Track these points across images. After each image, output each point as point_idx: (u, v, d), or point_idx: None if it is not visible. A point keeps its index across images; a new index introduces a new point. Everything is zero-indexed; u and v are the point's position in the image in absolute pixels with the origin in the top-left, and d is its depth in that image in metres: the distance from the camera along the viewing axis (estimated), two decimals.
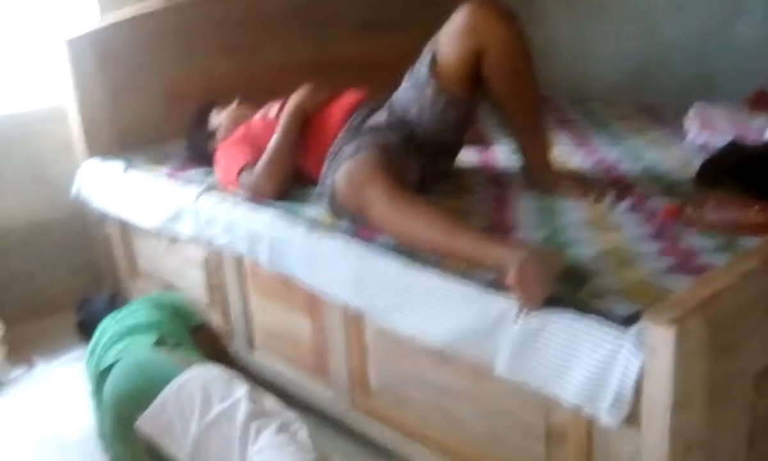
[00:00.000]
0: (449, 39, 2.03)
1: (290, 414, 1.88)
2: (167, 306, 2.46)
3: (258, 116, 2.52)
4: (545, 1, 3.87)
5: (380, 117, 2.24)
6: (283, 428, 1.78)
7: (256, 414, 1.79)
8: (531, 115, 2.15)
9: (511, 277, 1.49)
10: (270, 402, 1.90)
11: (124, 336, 2.24)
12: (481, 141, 2.78)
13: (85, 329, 2.54)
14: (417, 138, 2.16)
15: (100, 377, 2.15)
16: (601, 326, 1.40)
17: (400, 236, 1.83)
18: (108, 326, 2.35)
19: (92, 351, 2.32)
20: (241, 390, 1.86)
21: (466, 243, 1.69)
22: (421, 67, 2.12)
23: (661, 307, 1.31)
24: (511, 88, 2.07)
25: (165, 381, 1.92)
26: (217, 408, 1.81)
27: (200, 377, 1.90)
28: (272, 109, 2.50)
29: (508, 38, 1.99)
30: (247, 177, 2.31)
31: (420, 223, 1.78)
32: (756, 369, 1.50)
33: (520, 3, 3.78)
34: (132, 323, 2.31)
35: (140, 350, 2.13)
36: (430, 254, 1.76)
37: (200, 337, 2.47)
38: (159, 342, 2.18)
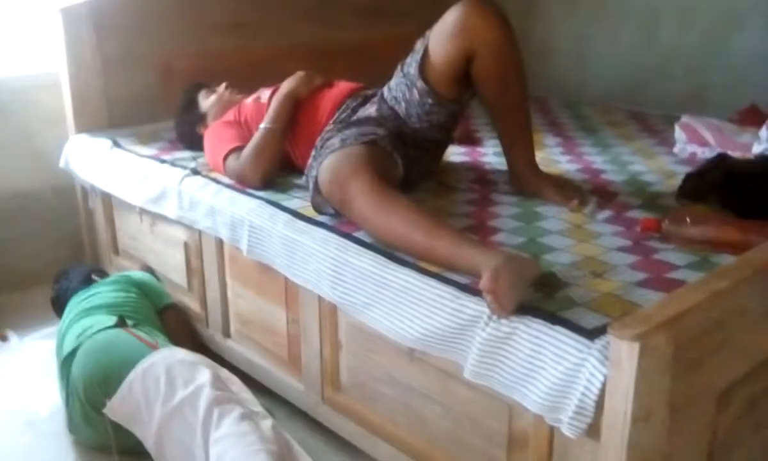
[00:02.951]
0: (440, 39, 2.03)
1: (254, 401, 1.88)
2: (135, 286, 2.45)
3: (251, 100, 2.51)
4: (546, 0, 3.86)
5: (370, 109, 2.23)
6: (246, 416, 1.78)
7: (219, 400, 1.79)
8: (517, 119, 2.15)
9: (483, 281, 1.50)
10: (236, 386, 1.90)
11: (82, 317, 2.23)
12: (470, 139, 2.78)
13: (58, 305, 2.54)
14: (405, 133, 2.16)
15: (64, 364, 2.14)
16: (568, 338, 1.41)
17: (379, 233, 1.83)
18: (73, 306, 2.35)
19: (59, 333, 2.31)
20: (204, 374, 1.86)
21: (443, 244, 1.70)
22: (411, 64, 2.11)
23: (626, 321, 1.31)
24: (498, 92, 2.08)
25: (129, 362, 1.92)
26: (180, 394, 1.81)
27: (165, 360, 1.90)
28: (264, 93, 2.49)
29: (499, 43, 1.99)
30: (233, 163, 2.31)
31: (398, 222, 1.78)
32: (719, 387, 1.51)
33: (521, 0, 3.83)
34: (95, 303, 2.30)
35: (100, 334, 2.12)
36: (408, 253, 1.76)
37: (169, 318, 2.46)
38: (119, 323, 2.17)
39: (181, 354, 1.96)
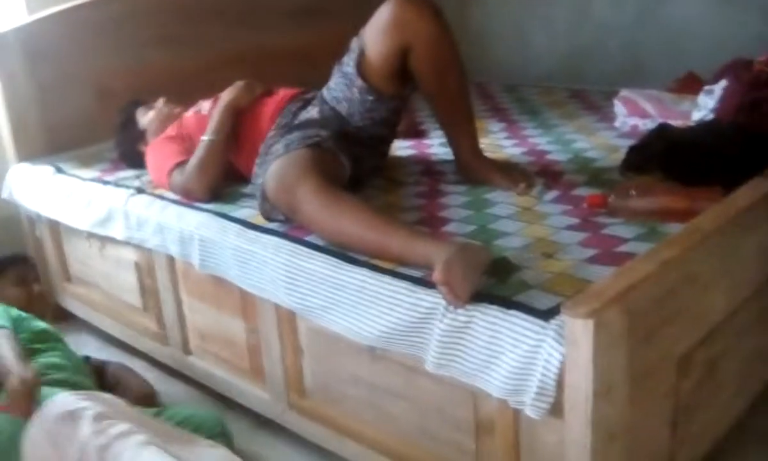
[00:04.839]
0: (374, 36, 2.03)
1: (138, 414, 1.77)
2: None
3: (191, 113, 2.49)
4: None
5: (312, 111, 2.22)
6: (149, 441, 1.64)
7: (104, 447, 1.63)
8: (458, 108, 2.16)
9: (436, 273, 1.50)
10: (118, 410, 1.77)
11: None
12: (415, 132, 2.79)
13: None
14: (349, 132, 2.15)
15: None
16: (523, 320, 1.42)
17: (330, 236, 1.83)
18: None
19: None
20: (84, 425, 1.67)
21: (395, 241, 1.70)
22: (348, 63, 2.11)
23: (579, 299, 1.33)
24: (437, 83, 2.09)
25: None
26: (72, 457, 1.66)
27: (42, 427, 1.72)
28: (204, 105, 2.46)
29: (433, 34, 2.00)
30: (178, 177, 2.28)
31: (349, 222, 1.78)
32: (677, 354, 1.54)
33: None
34: None
35: None
36: (361, 253, 1.76)
37: None
38: None
39: (55, 408, 1.75)
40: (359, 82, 2.08)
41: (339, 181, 1.99)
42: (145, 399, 2.30)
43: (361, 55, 2.07)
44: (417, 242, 1.67)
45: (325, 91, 2.22)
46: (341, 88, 2.15)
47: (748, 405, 1.91)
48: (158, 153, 2.40)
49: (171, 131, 2.46)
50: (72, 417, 1.70)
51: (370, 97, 2.10)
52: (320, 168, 1.91)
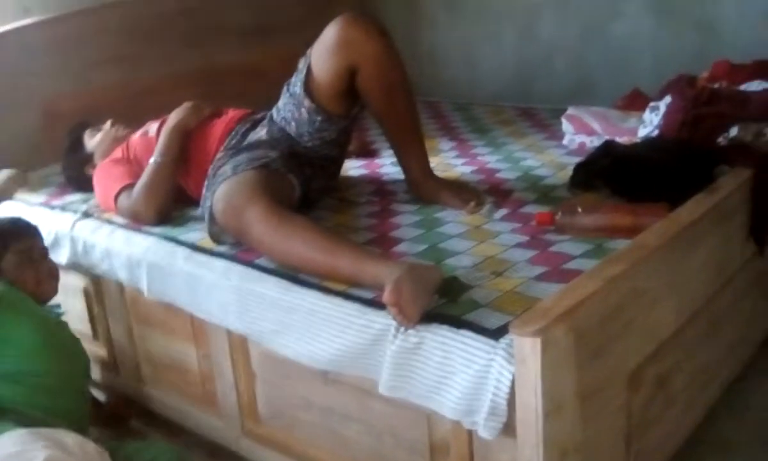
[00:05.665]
0: (321, 56, 2.03)
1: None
2: None
3: (138, 135, 2.45)
4: (429, 6, 3.90)
5: (260, 132, 2.21)
6: None
7: None
8: (407, 128, 2.17)
9: (386, 294, 1.49)
10: (70, 452, 1.67)
11: None
12: (367, 151, 2.78)
13: None
14: (298, 153, 2.14)
15: None
16: (474, 340, 1.42)
17: (280, 258, 1.81)
18: None
19: None
20: None
21: (345, 262, 1.69)
22: (296, 83, 2.11)
23: (526, 318, 1.34)
24: (385, 103, 2.09)
25: None
26: None
27: None
28: (152, 127, 2.43)
29: (380, 54, 2.00)
30: (125, 201, 2.24)
31: (299, 244, 1.76)
32: (628, 370, 1.55)
33: (404, 7, 3.87)
34: None
35: None
36: (311, 275, 1.75)
37: None
38: None
39: (4, 449, 1.64)
40: (307, 102, 2.08)
41: (288, 202, 1.98)
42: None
43: (308, 75, 2.06)
44: (367, 262, 1.66)
45: (274, 112, 2.21)
46: (290, 108, 2.14)
47: (702, 417, 1.94)
48: (105, 176, 2.36)
49: (118, 153, 2.42)
50: (25, 456, 1.62)
51: (319, 118, 2.09)
52: (269, 190, 1.89)
